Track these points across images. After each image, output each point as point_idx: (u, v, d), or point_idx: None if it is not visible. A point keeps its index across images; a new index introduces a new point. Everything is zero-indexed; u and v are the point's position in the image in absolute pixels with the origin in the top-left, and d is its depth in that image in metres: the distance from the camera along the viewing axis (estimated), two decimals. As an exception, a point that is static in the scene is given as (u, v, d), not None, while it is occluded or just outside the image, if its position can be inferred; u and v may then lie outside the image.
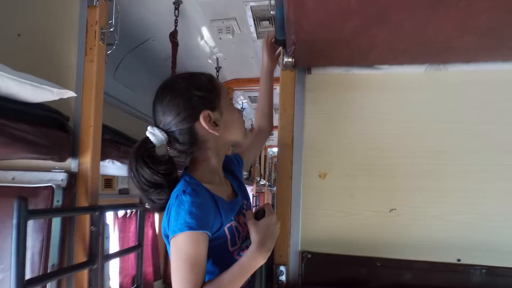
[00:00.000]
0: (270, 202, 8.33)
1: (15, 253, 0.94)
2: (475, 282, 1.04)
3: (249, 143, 1.19)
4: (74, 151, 1.31)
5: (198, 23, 2.40)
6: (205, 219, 0.79)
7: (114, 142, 1.83)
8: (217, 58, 2.96)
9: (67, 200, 1.27)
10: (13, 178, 1.30)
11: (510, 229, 1.05)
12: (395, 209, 1.12)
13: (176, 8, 2.14)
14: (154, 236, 2.81)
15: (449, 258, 1.07)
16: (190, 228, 0.76)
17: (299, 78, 1.20)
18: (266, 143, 3.90)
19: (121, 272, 2.43)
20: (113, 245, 2.31)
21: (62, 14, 1.36)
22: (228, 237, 0.87)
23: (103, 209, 1.32)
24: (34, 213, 1.12)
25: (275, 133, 1.48)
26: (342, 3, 0.75)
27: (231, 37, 2.46)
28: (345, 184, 1.15)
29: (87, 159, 1.30)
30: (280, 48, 1.18)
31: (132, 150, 0.85)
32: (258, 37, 2.57)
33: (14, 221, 0.95)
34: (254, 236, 0.83)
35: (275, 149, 6.84)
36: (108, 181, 2.39)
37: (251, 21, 2.36)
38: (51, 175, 1.28)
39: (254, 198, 7.78)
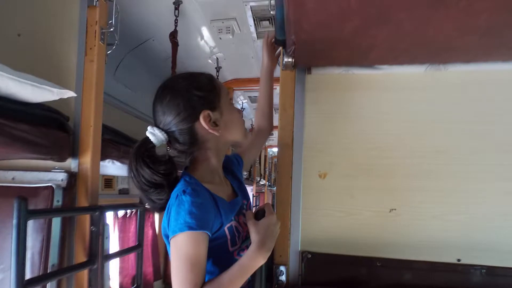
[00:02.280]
0: (270, 202, 8.32)
1: (15, 253, 0.94)
2: (475, 282, 1.04)
3: (249, 143, 1.19)
4: (74, 151, 1.31)
5: (198, 23, 2.40)
6: (205, 219, 0.79)
7: (114, 142, 1.83)
8: (217, 58, 2.96)
9: (67, 200, 1.27)
10: (13, 178, 1.30)
11: (510, 229, 1.05)
12: (395, 209, 1.12)
13: (176, 8, 2.13)
14: (154, 236, 2.80)
15: (449, 258, 1.07)
16: (190, 228, 0.76)
17: (299, 78, 1.20)
18: (266, 143, 3.89)
19: (121, 272, 2.43)
20: (113, 245, 2.31)
21: (62, 14, 1.35)
22: (228, 237, 0.87)
23: (103, 209, 1.32)
24: (34, 213, 1.12)
25: (275, 133, 1.48)
26: (342, 3, 0.75)
27: (231, 37, 2.46)
28: (345, 184, 1.15)
29: (87, 159, 1.30)
30: (280, 48, 1.18)
31: (132, 150, 0.85)
32: (258, 37, 2.56)
33: (14, 221, 0.95)
34: (254, 236, 0.83)
35: (275, 149, 6.84)
36: (108, 181, 2.39)
37: (251, 21, 2.36)
38: (51, 175, 1.28)
39: (254, 198, 7.78)
